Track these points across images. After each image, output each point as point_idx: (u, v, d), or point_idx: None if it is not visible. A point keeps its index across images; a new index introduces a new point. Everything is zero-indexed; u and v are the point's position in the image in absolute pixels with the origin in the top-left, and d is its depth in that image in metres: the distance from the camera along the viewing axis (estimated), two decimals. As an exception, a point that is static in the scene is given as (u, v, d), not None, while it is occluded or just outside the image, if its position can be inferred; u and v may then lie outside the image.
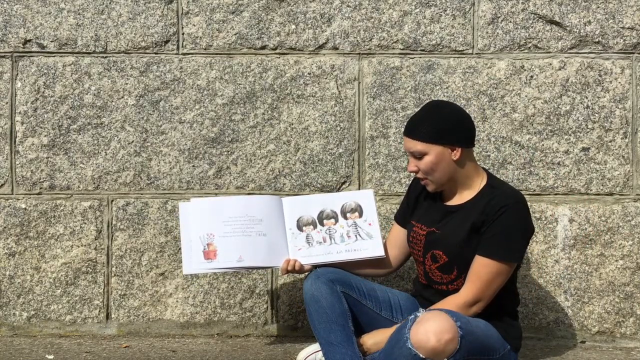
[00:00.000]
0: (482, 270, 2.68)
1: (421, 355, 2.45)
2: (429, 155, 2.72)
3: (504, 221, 2.67)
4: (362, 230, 2.96)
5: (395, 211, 3.21)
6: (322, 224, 2.98)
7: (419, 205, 2.93)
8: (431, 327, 2.46)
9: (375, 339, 2.77)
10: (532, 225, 2.76)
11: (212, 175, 3.47)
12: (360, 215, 2.98)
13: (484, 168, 2.87)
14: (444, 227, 2.78)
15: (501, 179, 3.34)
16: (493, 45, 3.41)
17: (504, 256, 2.67)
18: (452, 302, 2.70)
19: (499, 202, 2.69)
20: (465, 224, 2.72)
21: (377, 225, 2.96)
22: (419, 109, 2.87)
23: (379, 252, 2.94)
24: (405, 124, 2.82)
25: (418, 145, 2.73)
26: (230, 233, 2.96)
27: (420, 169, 2.75)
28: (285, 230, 2.98)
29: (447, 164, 2.73)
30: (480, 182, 2.79)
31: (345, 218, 2.98)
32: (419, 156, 2.74)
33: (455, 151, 2.72)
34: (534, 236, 3.37)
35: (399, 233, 3.00)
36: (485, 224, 2.69)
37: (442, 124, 2.72)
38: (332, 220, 2.99)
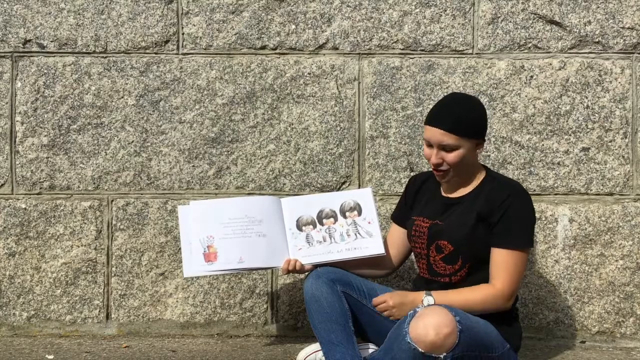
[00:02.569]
0: (507, 262, 2.70)
1: (420, 350, 2.46)
2: (462, 149, 2.72)
3: (513, 211, 2.71)
4: (362, 229, 2.95)
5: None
6: (321, 224, 2.98)
7: (417, 202, 2.94)
8: (430, 322, 2.46)
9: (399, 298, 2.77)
10: (534, 211, 2.80)
11: (212, 175, 3.47)
12: (360, 213, 2.98)
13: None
14: (448, 219, 2.79)
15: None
16: (493, 45, 3.41)
17: (519, 245, 2.71)
18: (492, 293, 2.69)
19: (503, 191, 2.73)
20: (470, 214, 2.74)
21: (376, 223, 2.95)
22: (442, 100, 2.82)
23: (379, 250, 2.93)
24: (428, 114, 2.72)
25: (451, 139, 2.70)
26: (230, 235, 2.96)
27: (448, 161, 2.74)
28: (285, 231, 2.98)
29: (471, 158, 2.77)
30: (480, 175, 2.82)
31: (345, 217, 2.98)
32: (449, 149, 2.73)
33: (480, 145, 2.77)
34: (534, 236, 3.38)
35: (397, 233, 3.01)
36: (493, 214, 2.72)
37: (475, 119, 2.74)
38: (332, 220, 2.98)
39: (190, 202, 3.06)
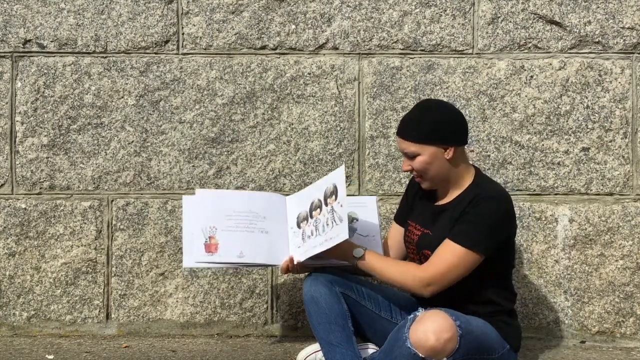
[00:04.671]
0: (446, 253, 2.67)
1: (420, 355, 2.46)
2: (422, 156, 2.73)
3: (475, 211, 2.67)
4: (337, 214, 2.79)
5: (395, 211, 3.21)
6: (311, 216, 2.93)
7: (415, 205, 2.94)
8: (430, 326, 2.46)
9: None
10: (508, 225, 2.72)
11: (212, 175, 3.47)
12: (336, 197, 2.81)
13: (473, 165, 2.87)
14: (435, 229, 2.78)
15: (491, 177, 3.36)
16: (493, 45, 3.41)
17: (467, 243, 2.64)
18: (414, 272, 2.70)
19: (477, 196, 2.69)
20: (449, 223, 2.73)
21: (346, 206, 2.77)
22: (411, 109, 2.87)
23: (345, 236, 2.73)
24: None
25: (411, 147, 2.73)
26: (233, 227, 2.93)
27: (414, 168, 2.76)
28: (288, 230, 2.96)
29: (440, 164, 2.74)
30: (468, 181, 2.79)
31: (326, 204, 2.84)
32: (412, 156, 2.74)
33: (448, 150, 2.73)
34: (534, 236, 3.38)
35: (397, 232, 3.01)
36: (462, 215, 2.70)
37: (434, 124, 2.72)
38: (318, 210, 2.89)
39: (196, 191, 3.04)
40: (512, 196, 3.35)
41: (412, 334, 2.48)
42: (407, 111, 2.91)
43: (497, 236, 2.69)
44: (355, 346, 2.75)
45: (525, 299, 3.41)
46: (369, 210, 3.00)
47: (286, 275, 3.35)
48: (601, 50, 3.40)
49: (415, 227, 2.86)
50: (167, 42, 3.46)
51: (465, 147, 2.83)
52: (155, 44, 3.46)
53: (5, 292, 3.49)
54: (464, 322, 2.55)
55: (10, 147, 3.48)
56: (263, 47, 3.46)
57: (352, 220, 2.96)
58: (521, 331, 2.84)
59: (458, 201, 2.76)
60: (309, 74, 3.45)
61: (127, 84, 3.46)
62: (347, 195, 2.88)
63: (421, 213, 2.88)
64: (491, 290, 2.75)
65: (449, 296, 2.74)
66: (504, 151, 3.41)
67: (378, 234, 2.98)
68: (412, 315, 2.57)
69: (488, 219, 2.66)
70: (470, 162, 2.91)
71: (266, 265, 3.18)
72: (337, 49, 3.44)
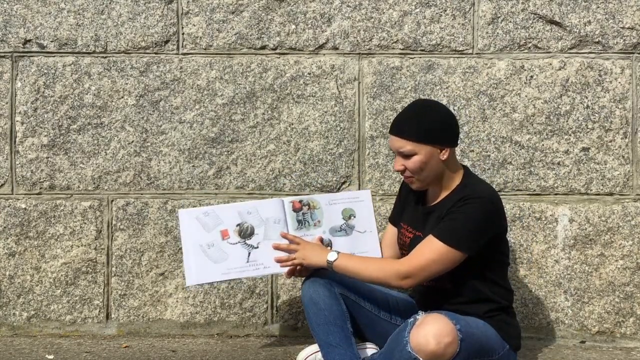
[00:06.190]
0: (426, 248, 2.67)
1: (421, 359, 2.46)
2: (419, 155, 2.72)
3: (461, 209, 2.66)
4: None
5: (394, 211, 3.21)
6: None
7: (407, 206, 2.94)
8: (431, 331, 2.46)
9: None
10: (493, 224, 2.70)
11: (212, 175, 3.47)
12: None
13: (463, 165, 2.87)
14: (426, 231, 2.76)
15: (491, 177, 3.37)
16: (493, 45, 3.41)
17: (448, 240, 2.64)
18: (391, 266, 2.73)
19: (465, 197, 2.69)
20: (437, 223, 2.72)
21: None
22: (405, 108, 2.85)
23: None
24: (391, 123, 2.84)
25: (408, 145, 2.72)
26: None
27: (408, 168, 2.75)
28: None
29: (435, 164, 2.74)
30: (457, 181, 2.79)
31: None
32: (408, 155, 2.73)
33: (444, 151, 2.73)
34: (534, 236, 3.38)
35: (392, 233, 3.02)
36: (447, 213, 2.70)
37: (435, 124, 2.72)
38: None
39: (188, 210, 3.03)
40: (512, 196, 3.38)
41: (412, 338, 2.47)
42: (402, 110, 2.90)
43: (481, 235, 2.67)
44: (354, 347, 2.75)
45: (525, 299, 3.41)
46: (365, 204, 3.01)
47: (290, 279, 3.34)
48: (601, 50, 3.40)
49: (407, 229, 2.87)
50: (167, 42, 3.46)
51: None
52: (155, 44, 3.46)
53: (5, 292, 3.49)
54: (464, 326, 2.54)
55: (10, 147, 3.48)
56: (263, 47, 3.46)
57: (349, 216, 2.99)
58: (520, 330, 2.84)
59: (446, 201, 2.76)
60: (309, 74, 3.45)
61: (127, 84, 3.46)
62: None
63: (412, 215, 2.89)
64: (487, 287, 2.74)
65: (444, 294, 2.75)
66: (504, 151, 3.41)
67: (375, 229, 2.99)
68: (412, 319, 2.56)
69: (472, 218, 2.65)
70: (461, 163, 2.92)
71: (270, 274, 3.17)
72: (337, 49, 3.44)
